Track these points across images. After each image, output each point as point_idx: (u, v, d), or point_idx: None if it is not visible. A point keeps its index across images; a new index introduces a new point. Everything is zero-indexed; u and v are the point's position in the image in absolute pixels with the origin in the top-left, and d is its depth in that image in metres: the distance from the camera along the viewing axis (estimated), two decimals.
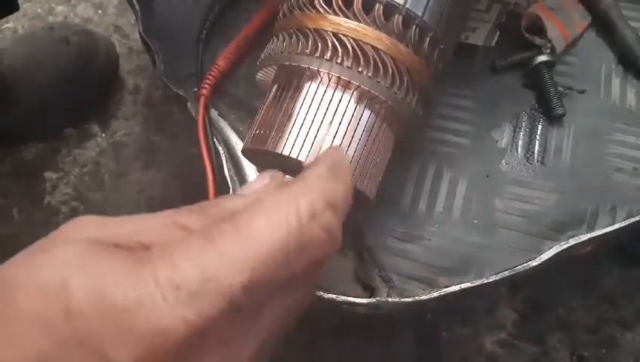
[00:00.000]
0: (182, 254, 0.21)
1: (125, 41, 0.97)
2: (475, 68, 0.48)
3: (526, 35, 0.47)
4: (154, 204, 0.84)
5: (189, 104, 0.47)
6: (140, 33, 0.49)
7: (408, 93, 0.35)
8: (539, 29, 0.48)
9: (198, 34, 0.49)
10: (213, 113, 0.46)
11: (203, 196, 0.41)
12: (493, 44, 0.47)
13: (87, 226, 0.23)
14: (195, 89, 0.47)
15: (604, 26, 0.49)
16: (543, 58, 0.46)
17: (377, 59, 0.33)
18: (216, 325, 0.21)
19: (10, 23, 1.00)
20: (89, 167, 0.89)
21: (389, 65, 0.34)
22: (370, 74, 0.33)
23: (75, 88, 0.86)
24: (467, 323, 0.51)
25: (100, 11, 1.01)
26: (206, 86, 0.45)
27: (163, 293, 0.19)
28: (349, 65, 0.33)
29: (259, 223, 0.22)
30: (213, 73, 0.46)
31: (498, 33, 0.48)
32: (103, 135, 0.91)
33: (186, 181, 0.83)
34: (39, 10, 1.01)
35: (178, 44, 0.49)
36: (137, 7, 0.51)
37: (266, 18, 0.49)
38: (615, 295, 0.52)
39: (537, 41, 0.47)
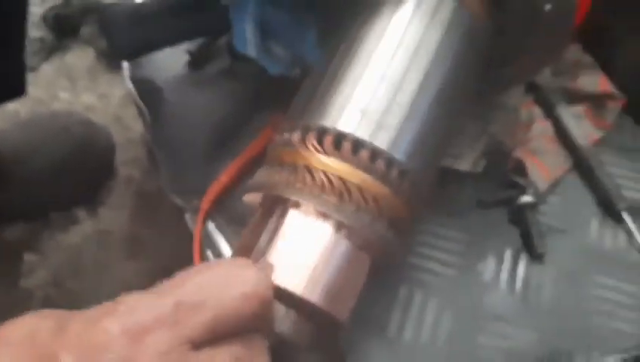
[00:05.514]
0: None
1: (125, 132, 0.99)
2: (462, 200, 0.51)
3: (510, 175, 0.51)
4: None
5: (187, 215, 0.48)
6: (147, 143, 0.51)
7: (375, 219, 0.36)
8: (523, 170, 0.51)
9: (207, 149, 0.50)
10: (211, 226, 0.48)
11: None
12: (479, 170, 0.50)
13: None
14: (196, 201, 0.48)
15: (583, 170, 0.53)
16: (526, 199, 0.49)
17: (343, 188, 0.36)
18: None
19: (13, 104, 1.01)
20: (70, 252, 0.88)
21: (353, 193, 0.36)
22: (336, 201, 0.35)
23: (68, 176, 0.88)
24: None
25: (104, 100, 1.04)
26: (206, 201, 0.47)
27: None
28: (317, 194, 0.35)
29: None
30: (214, 188, 0.48)
31: (485, 161, 0.50)
32: (89, 222, 0.91)
33: (170, 276, 0.83)
34: (43, 96, 1.04)
35: (185, 157, 0.50)
36: (147, 117, 0.53)
37: (270, 138, 0.51)
38: None
39: (521, 181, 0.50)
